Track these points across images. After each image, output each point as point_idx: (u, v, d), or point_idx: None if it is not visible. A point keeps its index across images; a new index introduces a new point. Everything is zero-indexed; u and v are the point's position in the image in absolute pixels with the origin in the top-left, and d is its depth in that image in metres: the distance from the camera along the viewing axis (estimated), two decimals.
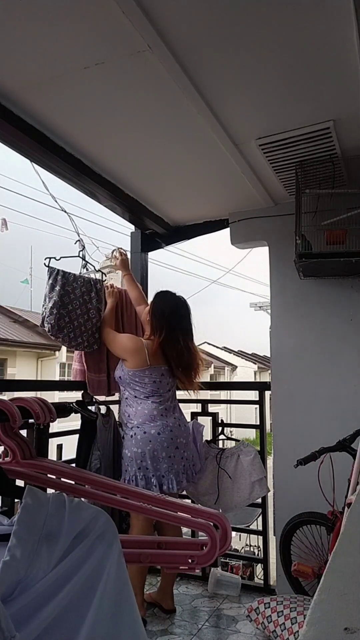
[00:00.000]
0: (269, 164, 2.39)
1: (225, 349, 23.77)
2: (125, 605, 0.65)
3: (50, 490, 0.86)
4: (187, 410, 2.81)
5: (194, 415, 2.99)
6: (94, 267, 2.75)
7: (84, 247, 2.78)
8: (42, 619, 0.59)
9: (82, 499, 0.74)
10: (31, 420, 1.02)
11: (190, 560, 0.84)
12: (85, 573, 0.64)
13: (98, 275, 2.77)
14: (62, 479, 0.97)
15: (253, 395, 3.09)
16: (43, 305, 2.45)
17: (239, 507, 2.65)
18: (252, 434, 12.28)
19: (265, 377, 9.57)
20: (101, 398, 2.62)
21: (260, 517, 2.92)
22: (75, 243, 2.72)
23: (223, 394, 4.50)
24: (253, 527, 3.38)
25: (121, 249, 2.95)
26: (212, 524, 0.85)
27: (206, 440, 2.83)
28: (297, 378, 2.77)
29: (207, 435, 2.90)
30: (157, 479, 2.32)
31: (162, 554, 0.86)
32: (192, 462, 2.52)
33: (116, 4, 1.38)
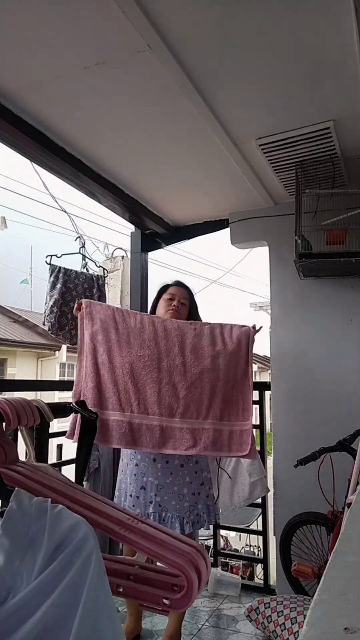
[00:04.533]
0: (269, 164, 2.39)
1: None
2: (105, 611, 0.64)
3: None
4: None
5: None
6: (95, 262, 2.76)
7: (84, 244, 2.79)
8: (23, 635, 0.59)
9: (64, 507, 0.73)
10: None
11: (164, 601, 0.74)
12: (67, 587, 0.63)
13: (99, 272, 2.78)
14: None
15: (253, 395, 3.08)
16: (45, 304, 2.47)
17: (239, 507, 2.65)
18: None
19: (265, 377, 9.52)
20: None
21: (260, 517, 2.92)
22: (75, 240, 2.73)
23: None
24: (253, 527, 3.38)
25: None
26: (186, 564, 0.72)
27: None
28: (297, 378, 2.77)
29: None
30: None
31: (136, 589, 0.77)
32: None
33: (116, 4, 1.38)
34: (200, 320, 2.27)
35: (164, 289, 2.30)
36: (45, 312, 2.47)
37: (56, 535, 0.67)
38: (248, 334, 2.13)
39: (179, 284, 2.32)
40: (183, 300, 2.25)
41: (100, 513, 0.78)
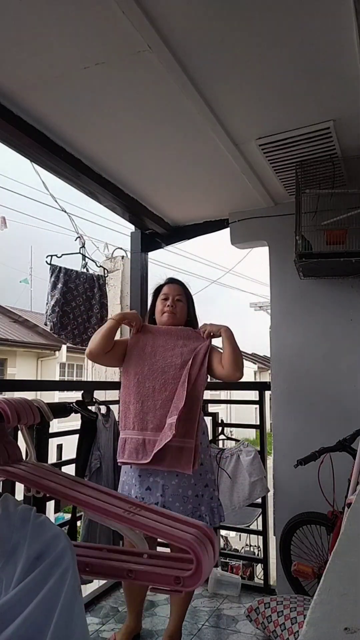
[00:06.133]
0: (269, 164, 2.39)
1: None
2: (78, 622, 0.65)
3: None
4: None
5: None
6: (95, 262, 2.76)
7: (84, 244, 2.80)
8: None
9: (46, 517, 0.73)
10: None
11: (176, 581, 0.73)
12: (45, 597, 0.63)
13: (99, 271, 2.79)
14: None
15: (253, 395, 3.09)
16: (46, 304, 2.47)
17: (239, 507, 2.65)
18: (252, 434, 12.27)
19: (265, 377, 9.55)
20: (101, 398, 2.62)
21: (260, 517, 2.92)
22: (75, 240, 2.73)
23: (223, 394, 4.49)
24: (253, 527, 3.37)
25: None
26: (194, 538, 0.72)
27: None
28: (297, 378, 2.77)
29: (208, 435, 2.89)
30: None
31: (148, 572, 0.76)
32: None
33: (116, 4, 1.38)
34: (196, 317, 2.30)
35: (158, 290, 2.30)
36: (46, 311, 2.47)
37: (37, 544, 0.67)
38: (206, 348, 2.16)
39: (171, 281, 2.31)
40: (178, 297, 2.24)
41: (106, 499, 0.79)
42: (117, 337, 2.16)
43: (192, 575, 0.72)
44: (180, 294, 2.25)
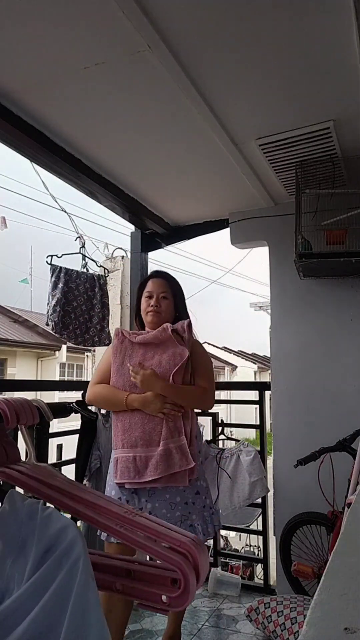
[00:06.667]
0: (269, 164, 2.39)
1: (225, 349, 23.77)
2: (93, 613, 0.65)
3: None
4: None
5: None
6: (96, 262, 2.76)
7: (84, 244, 2.80)
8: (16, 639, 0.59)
9: (54, 509, 0.73)
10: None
11: (163, 599, 0.71)
12: (56, 591, 0.63)
13: (100, 271, 2.79)
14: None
15: (253, 395, 3.09)
16: (47, 304, 2.48)
17: (239, 507, 2.65)
18: (252, 434, 12.28)
19: (265, 377, 9.57)
20: None
21: (260, 517, 2.92)
22: (75, 240, 2.73)
23: (223, 394, 4.49)
24: (253, 527, 3.38)
25: None
26: (182, 557, 0.69)
27: (206, 440, 2.83)
28: (297, 378, 2.77)
29: (207, 435, 2.90)
30: None
31: (135, 587, 0.74)
32: None
33: (116, 4, 1.38)
34: (186, 310, 2.11)
35: (142, 286, 2.11)
36: (48, 311, 2.48)
37: (46, 538, 0.67)
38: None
39: (156, 275, 2.11)
40: (163, 294, 2.04)
41: (99, 509, 0.78)
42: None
43: (180, 596, 0.70)
44: (165, 291, 2.05)
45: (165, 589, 0.72)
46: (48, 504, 0.75)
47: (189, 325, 2.01)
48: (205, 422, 2.92)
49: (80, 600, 0.63)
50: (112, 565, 0.79)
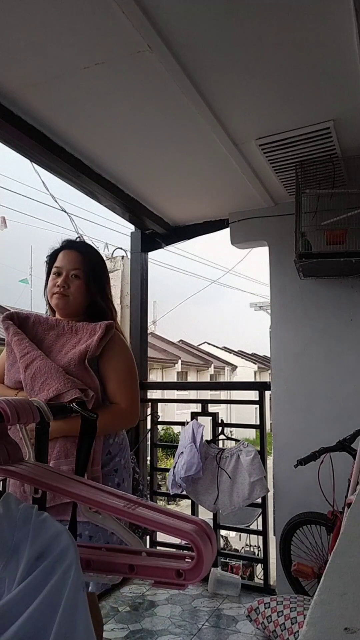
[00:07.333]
0: (269, 164, 2.39)
1: (225, 349, 23.77)
2: (81, 622, 0.65)
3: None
4: (187, 410, 2.81)
5: (194, 415, 2.99)
6: None
7: None
8: None
9: (48, 515, 0.73)
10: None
11: (178, 575, 0.73)
12: (47, 597, 0.64)
13: None
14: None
15: (253, 395, 3.09)
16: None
17: (239, 507, 2.66)
18: (252, 434, 12.27)
19: (265, 377, 9.56)
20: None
21: (260, 517, 2.92)
22: (75, 239, 2.73)
23: (223, 394, 4.50)
24: (253, 527, 3.38)
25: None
26: (194, 531, 0.71)
27: (206, 440, 2.83)
28: (297, 378, 2.77)
29: (207, 435, 2.90)
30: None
31: (150, 566, 0.76)
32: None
33: (116, 4, 1.38)
34: (105, 293, 1.70)
35: (52, 259, 1.68)
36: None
37: (39, 543, 0.68)
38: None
39: (67, 246, 1.68)
40: (74, 271, 1.62)
41: (99, 505, 0.79)
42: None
43: (194, 568, 0.72)
44: (77, 267, 1.62)
45: (179, 564, 0.74)
46: (42, 511, 0.75)
47: (109, 327, 1.56)
48: (205, 422, 2.92)
49: (70, 607, 0.64)
50: (123, 553, 0.81)
